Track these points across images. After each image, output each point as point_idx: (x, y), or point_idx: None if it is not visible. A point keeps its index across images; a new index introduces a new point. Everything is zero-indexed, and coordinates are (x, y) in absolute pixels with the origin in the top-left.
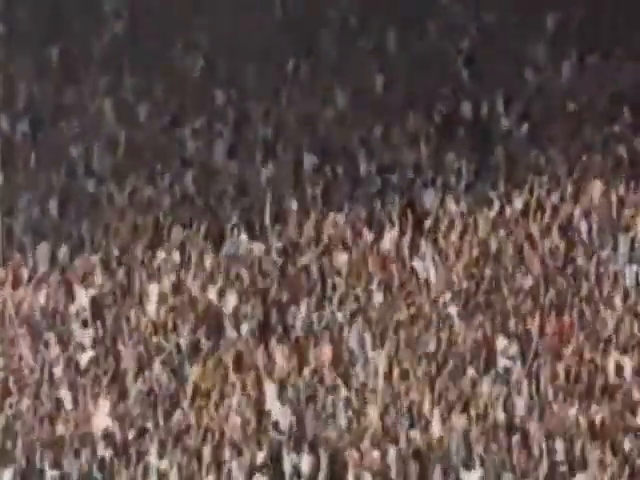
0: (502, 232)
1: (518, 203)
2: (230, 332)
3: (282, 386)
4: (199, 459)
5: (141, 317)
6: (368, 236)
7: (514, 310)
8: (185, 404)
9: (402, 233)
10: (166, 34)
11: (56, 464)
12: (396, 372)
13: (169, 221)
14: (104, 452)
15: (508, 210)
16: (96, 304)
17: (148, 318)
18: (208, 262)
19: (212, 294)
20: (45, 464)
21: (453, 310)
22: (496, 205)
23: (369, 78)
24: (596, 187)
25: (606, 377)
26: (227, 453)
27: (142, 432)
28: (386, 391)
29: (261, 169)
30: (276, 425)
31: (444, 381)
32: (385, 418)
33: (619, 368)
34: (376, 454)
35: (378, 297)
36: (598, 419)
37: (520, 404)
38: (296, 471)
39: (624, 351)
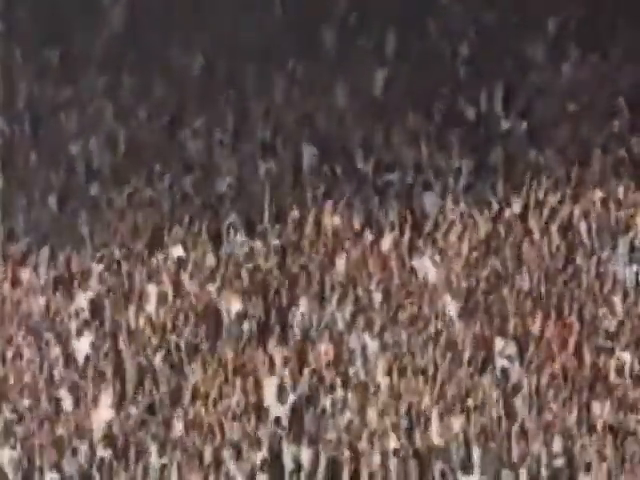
0: (501, 232)
1: (517, 204)
2: (230, 332)
3: (282, 386)
4: (200, 458)
5: (140, 317)
6: (368, 236)
7: (513, 311)
8: (185, 403)
9: (401, 233)
10: (166, 33)
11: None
12: (395, 372)
13: (169, 221)
14: (104, 452)
15: (507, 211)
16: (95, 304)
17: (147, 318)
18: (208, 262)
19: (212, 294)
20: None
21: (453, 311)
22: (495, 206)
23: (369, 77)
24: (595, 188)
25: (607, 377)
26: (227, 452)
27: (142, 430)
28: (386, 391)
29: (260, 169)
30: (276, 423)
31: (443, 381)
32: (385, 418)
33: (620, 368)
34: (375, 454)
35: (378, 297)
36: (599, 419)
37: (519, 404)
38: (296, 468)
39: (625, 350)
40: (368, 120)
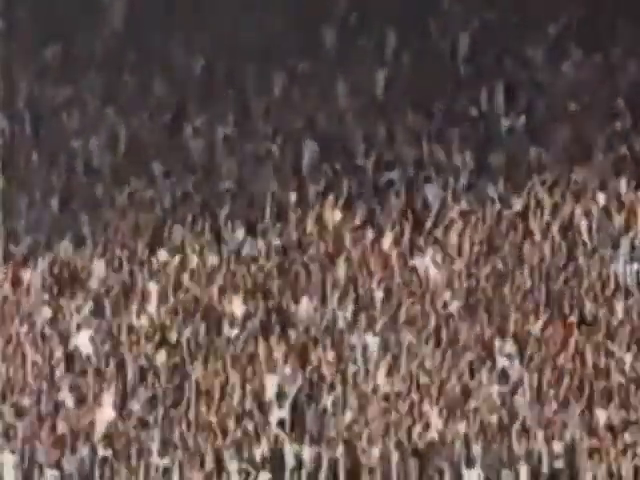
0: (502, 231)
1: (518, 202)
2: (231, 330)
3: (283, 384)
4: (201, 456)
5: (142, 315)
6: (369, 235)
7: (514, 310)
8: (187, 401)
9: (402, 232)
10: (166, 32)
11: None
12: (397, 371)
13: (170, 220)
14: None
15: (508, 209)
16: (97, 302)
17: (149, 316)
18: (209, 261)
19: (213, 293)
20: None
21: (454, 308)
22: (497, 204)
23: (369, 76)
24: (597, 186)
25: (607, 376)
26: (229, 449)
27: (144, 428)
28: (387, 389)
29: (261, 167)
30: (277, 421)
31: (444, 379)
32: (386, 416)
33: (620, 366)
34: (376, 451)
35: (379, 296)
36: (600, 417)
37: (519, 402)
38: (297, 466)
39: (626, 350)
40: (369, 119)
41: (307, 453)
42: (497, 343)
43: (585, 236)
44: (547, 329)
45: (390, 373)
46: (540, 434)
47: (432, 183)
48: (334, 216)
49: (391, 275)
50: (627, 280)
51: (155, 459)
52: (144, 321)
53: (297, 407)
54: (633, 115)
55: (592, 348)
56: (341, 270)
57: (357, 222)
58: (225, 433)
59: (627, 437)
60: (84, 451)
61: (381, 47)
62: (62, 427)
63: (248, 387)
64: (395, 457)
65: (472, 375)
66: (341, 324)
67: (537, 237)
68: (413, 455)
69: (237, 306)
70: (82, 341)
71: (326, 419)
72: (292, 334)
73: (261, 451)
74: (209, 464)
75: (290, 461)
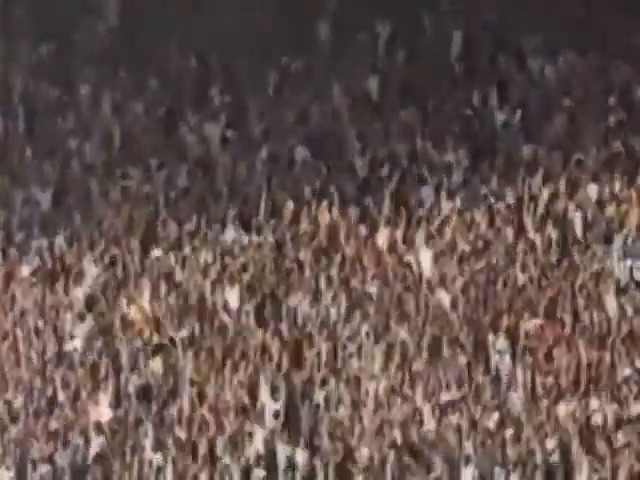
0: (496, 227)
1: (511, 198)
2: (225, 326)
3: (277, 380)
4: (194, 453)
5: (136, 311)
6: (362, 231)
7: (507, 306)
8: (180, 397)
9: (395, 228)
10: (161, 29)
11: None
12: (392, 367)
13: (164, 215)
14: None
15: (502, 205)
16: (90, 298)
17: (142, 312)
18: (203, 256)
19: (206, 288)
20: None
21: (447, 304)
22: (490, 200)
23: (363, 73)
24: (590, 182)
25: (600, 372)
26: (222, 447)
27: (138, 425)
28: (381, 386)
29: (255, 164)
30: (270, 417)
31: (438, 376)
32: (380, 413)
33: (613, 363)
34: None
35: (373, 291)
36: (593, 415)
37: (513, 399)
38: (290, 464)
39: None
40: (363, 115)
41: (300, 452)
42: (491, 339)
43: (579, 232)
44: (540, 325)
45: (384, 369)
46: (533, 431)
47: (426, 180)
48: (327, 216)
49: (385, 271)
50: (621, 276)
51: (149, 454)
52: (137, 316)
53: (290, 403)
54: (627, 111)
55: (586, 344)
56: (335, 266)
57: (351, 219)
58: (219, 429)
59: (621, 436)
60: (77, 446)
61: (375, 42)
62: (56, 423)
63: (241, 383)
64: (390, 454)
65: (466, 370)
66: (335, 319)
67: (530, 232)
68: (408, 452)
69: (231, 301)
70: (76, 337)
71: (319, 415)
72: (286, 329)
73: (255, 448)
74: (202, 460)
75: (283, 459)
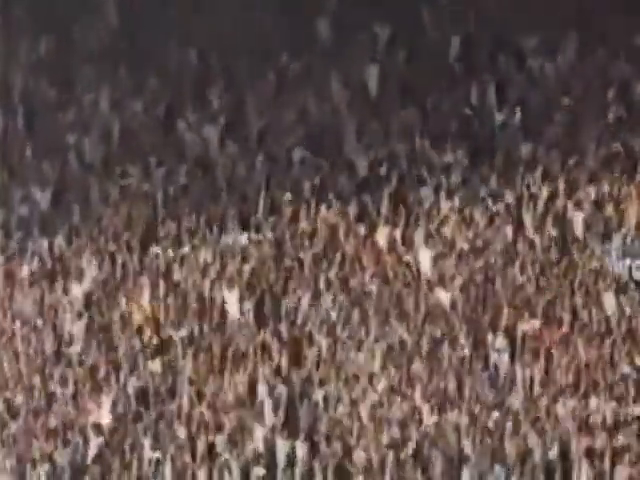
0: (495, 226)
1: (510, 197)
2: (225, 325)
3: (276, 379)
4: (193, 450)
5: (135, 310)
6: (362, 230)
7: (506, 305)
8: (179, 396)
9: (395, 227)
10: (161, 27)
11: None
12: (391, 366)
13: (163, 214)
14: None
15: (501, 205)
16: (90, 297)
17: (142, 311)
18: (202, 255)
19: (206, 287)
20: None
21: (446, 302)
22: (489, 200)
23: (363, 71)
24: (589, 181)
25: (601, 370)
26: (222, 445)
27: (136, 422)
28: (382, 384)
29: (255, 162)
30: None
31: (437, 374)
32: (379, 411)
33: (612, 360)
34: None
35: (372, 290)
36: (592, 412)
37: (512, 397)
38: (290, 461)
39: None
40: (362, 114)
41: (300, 449)
42: (490, 337)
43: (577, 231)
44: (539, 324)
45: (383, 368)
46: (532, 429)
47: (425, 180)
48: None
49: (384, 270)
50: (620, 275)
51: (147, 453)
52: (137, 316)
53: (290, 402)
54: (626, 110)
55: (584, 343)
56: (334, 265)
57: (350, 217)
58: (218, 428)
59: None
60: (77, 445)
61: (375, 41)
62: (55, 422)
63: (240, 381)
64: (388, 453)
65: (465, 369)
66: (334, 318)
67: (530, 232)
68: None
69: (230, 300)
70: (75, 336)
71: (318, 414)
72: (285, 329)
73: (254, 446)
74: (201, 458)
75: (283, 457)
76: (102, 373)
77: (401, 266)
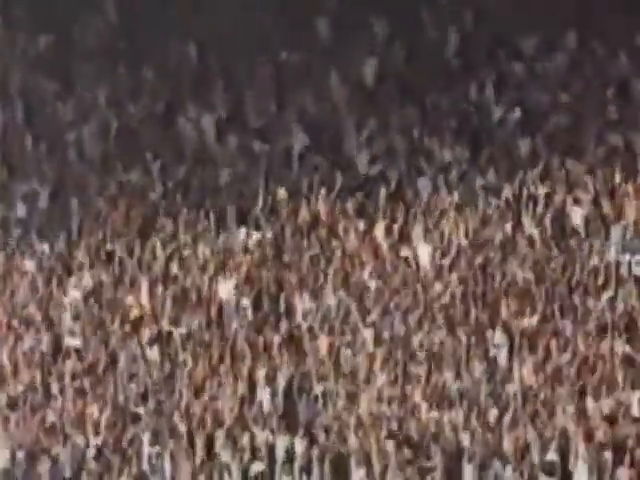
0: (493, 222)
1: (509, 193)
2: (224, 321)
3: (276, 375)
4: (192, 447)
5: (134, 306)
6: (360, 225)
7: (505, 300)
8: (179, 393)
9: (393, 222)
10: (161, 23)
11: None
12: (391, 362)
13: (162, 210)
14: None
15: (500, 200)
16: (89, 294)
17: (141, 307)
18: (202, 251)
19: (206, 283)
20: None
21: (446, 299)
22: (488, 195)
23: (361, 67)
24: (589, 177)
25: (599, 366)
26: (220, 441)
27: (135, 420)
28: (380, 380)
29: (254, 158)
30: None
31: (436, 370)
32: (378, 406)
33: (612, 356)
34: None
35: (372, 286)
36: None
37: (509, 393)
38: (289, 457)
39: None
40: (360, 110)
41: (299, 444)
42: (489, 333)
43: (577, 226)
44: (538, 320)
45: (383, 363)
46: (531, 425)
47: (424, 174)
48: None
49: (383, 265)
50: (619, 270)
51: (147, 448)
52: (136, 311)
53: (289, 398)
54: (625, 106)
55: (583, 338)
56: (334, 261)
57: (349, 213)
58: (217, 423)
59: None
60: (76, 441)
61: (373, 37)
62: (54, 418)
63: (241, 377)
64: (388, 448)
65: (464, 364)
66: (334, 314)
67: (529, 228)
68: (406, 445)
69: (230, 296)
70: (74, 333)
71: (318, 409)
72: (285, 324)
73: (254, 441)
74: (200, 454)
75: (282, 452)
76: (100, 368)
77: (400, 261)
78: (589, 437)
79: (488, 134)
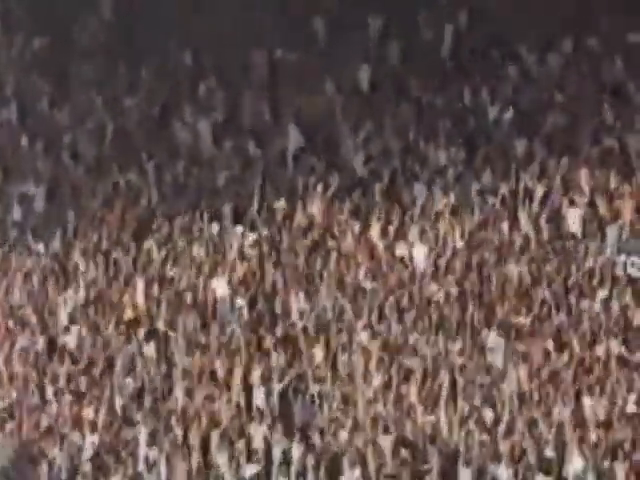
0: (489, 222)
1: (505, 194)
2: (219, 322)
3: (271, 375)
4: (188, 448)
5: (129, 306)
6: (356, 226)
7: (501, 300)
8: (174, 394)
9: (388, 223)
10: (156, 24)
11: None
12: (385, 361)
13: (157, 211)
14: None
15: (496, 201)
16: (85, 294)
17: (136, 307)
18: (196, 251)
19: (200, 283)
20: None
21: (441, 299)
22: (484, 195)
23: (356, 69)
24: (584, 178)
25: (594, 366)
26: (216, 443)
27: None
28: (377, 381)
29: (249, 159)
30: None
31: (432, 370)
32: (375, 407)
33: (607, 357)
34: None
35: (367, 286)
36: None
37: (506, 393)
38: (285, 460)
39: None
40: (355, 111)
41: (295, 446)
42: (484, 333)
43: (572, 228)
44: (534, 320)
45: (379, 364)
46: (526, 426)
47: (419, 175)
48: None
49: (378, 266)
50: (615, 271)
51: (143, 450)
52: (131, 312)
53: (284, 399)
54: (620, 107)
55: (579, 339)
56: (329, 261)
57: (344, 214)
58: (213, 424)
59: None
60: (72, 443)
61: (368, 38)
62: (50, 421)
63: (236, 378)
64: (384, 448)
65: (460, 363)
66: (329, 315)
67: (525, 228)
68: (403, 446)
69: (225, 296)
70: (70, 333)
71: (314, 410)
72: (281, 325)
73: (249, 444)
74: (196, 456)
75: (278, 454)
76: (97, 370)
77: (396, 261)
78: (585, 438)
79: (484, 135)
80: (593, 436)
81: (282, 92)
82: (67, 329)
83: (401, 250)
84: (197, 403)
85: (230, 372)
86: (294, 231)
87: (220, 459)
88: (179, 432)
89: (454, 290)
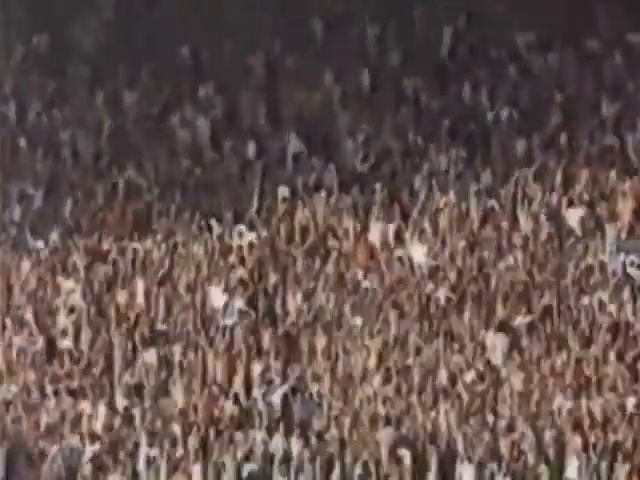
0: (489, 222)
1: (505, 193)
2: (219, 321)
3: (270, 374)
4: (186, 446)
5: (129, 306)
6: (356, 226)
7: (501, 300)
8: (173, 392)
9: (389, 222)
10: (154, 23)
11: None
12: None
13: (157, 210)
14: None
15: (495, 200)
16: (84, 292)
17: (136, 307)
18: (195, 251)
19: (199, 283)
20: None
21: (441, 298)
22: (484, 195)
23: (356, 69)
24: (583, 177)
25: (592, 365)
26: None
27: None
28: (377, 379)
29: (249, 159)
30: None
31: (432, 369)
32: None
33: (605, 356)
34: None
35: (366, 286)
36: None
37: (506, 393)
38: (285, 456)
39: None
40: (355, 111)
41: (295, 444)
42: (484, 333)
43: (572, 226)
44: (533, 319)
45: (378, 363)
46: (526, 426)
47: (419, 175)
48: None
49: (378, 266)
50: (614, 270)
51: (143, 449)
52: (131, 311)
53: (285, 397)
54: (619, 105)
55: (578, 339)
56: (329, 261)
57: (345, 214)
58: (212, 423)
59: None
60: (72, 443)
61: (367, 39)
62: (50, 419)
63: (236, 377)
64: (384, 447)
65: (460, 364)
66: (329, 315)
67: (524, 228)
68: (404, 446)
69: (224, 296)
70: (70, 332)
71: (314, 409)
72: (280, 324)
73: (249, 442)
74: (195, 455)
75: (278, 453)
76: (97, 369)
77: (395, 261)
78: (583, 437)
79: (483, 135)
80: (592, 436)
81: (281, 91)
82: (65, 328)
83: (400, 249)
84: (197, 403)
85: (230, 372)
86: (294, 230)
87: (220, 459)
88: (178, 432)
89: (454, 290)
